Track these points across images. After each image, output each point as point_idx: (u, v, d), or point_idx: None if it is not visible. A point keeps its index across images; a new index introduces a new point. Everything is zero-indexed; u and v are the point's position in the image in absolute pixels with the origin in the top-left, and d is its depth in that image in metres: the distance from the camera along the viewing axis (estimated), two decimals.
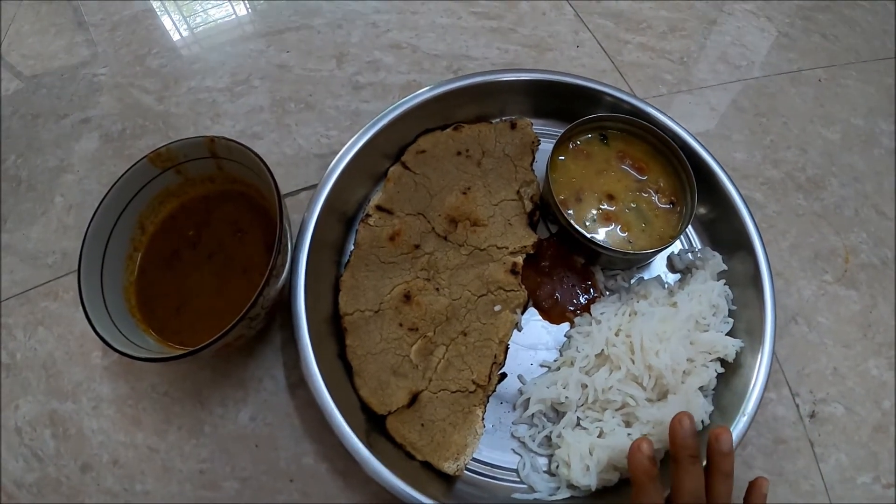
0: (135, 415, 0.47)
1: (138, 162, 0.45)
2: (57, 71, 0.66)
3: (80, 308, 0.40)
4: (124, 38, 0.68)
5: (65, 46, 0.68)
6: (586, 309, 0.50)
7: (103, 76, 0.65)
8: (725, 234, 0.52)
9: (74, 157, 0.59)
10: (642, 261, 0.52)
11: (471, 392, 0.44)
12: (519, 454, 0.45)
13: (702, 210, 0.54)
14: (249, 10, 0.72)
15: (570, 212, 0.50)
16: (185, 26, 0.71)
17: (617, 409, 0.44)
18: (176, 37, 0.69)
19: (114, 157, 0.59)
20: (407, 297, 0.47)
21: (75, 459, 0.45)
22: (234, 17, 0.71)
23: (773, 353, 0.46)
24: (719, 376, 0.46)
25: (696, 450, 0.36)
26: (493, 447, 0.45)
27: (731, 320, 0.48)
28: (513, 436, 0.46)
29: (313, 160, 0.58)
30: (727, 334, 0.47)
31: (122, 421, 0.47)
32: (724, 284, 0.49)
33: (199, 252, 0.47)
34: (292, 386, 0.47)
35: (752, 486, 0.38)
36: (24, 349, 0.50)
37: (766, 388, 0.45)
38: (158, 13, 0.71)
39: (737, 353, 0.46)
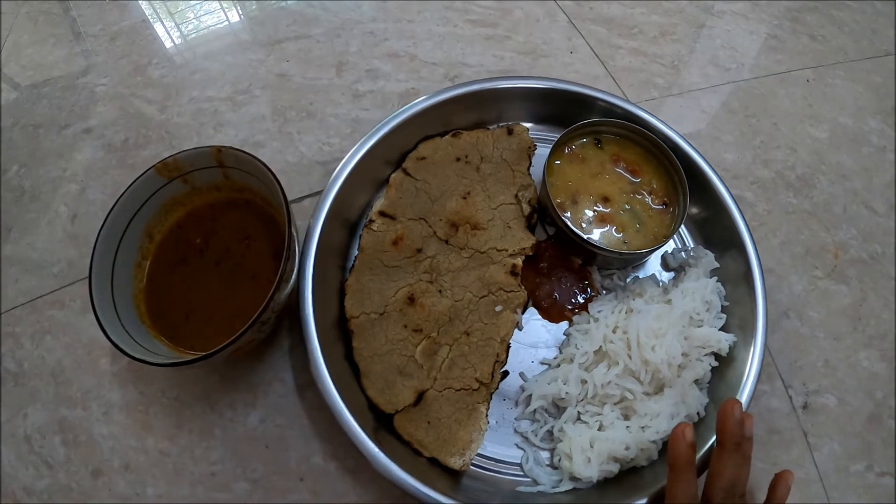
0: (145, 420, 0.47)
1: (145, 172, 0.46)
2: (56, 81, 0.66)
3: (87, 316, 0.41)
4: (124, 49, 0.69)
5: (63, 57, 0.68)
6: (584, 308, 0.51)
7: (103, 86, 0.65)
8: (717, 233, 0.54)
9: (77, 166, 0.60)
10: (637, 260, 0.54)
11: (474, 390, 0.46)
12: (522, 449, 0.46)
13: (694, 210, 0.56)
14: (241, 16, 0.72)
15: (567, 214, 0.51)
16: (183, 36, 0.71)
17: (616, 403, 0.46)
18: (177, 47, 0.70)
19: (118, 166, 0.60)
20: (411, 300, 0.48)
21: (86, 465, 0.46)
22: (228, 24, 0.72)
23: (766, 347, 0.48)
24: (713, 370, 0.48)
25: (741, 437, 0.36)
26: (497, 443, 0.46)
27: (724, 316, 0.50)
28: (516, 431, 0.47)
29: (316, 167, 0.59)
30: (721, 329, 0.49)
31: (133, 426, 0.47)
32: (717, 281, 0.51)
33: (207, 259, 0.48)
34: (301, 388, 0.48)
35: (778, 477, 0.39)
36: (32, 358, 0.50)
37: (759, 380, 0.46)
38: (157, 24, 0.72)
39: (730, 347, 0.48)
